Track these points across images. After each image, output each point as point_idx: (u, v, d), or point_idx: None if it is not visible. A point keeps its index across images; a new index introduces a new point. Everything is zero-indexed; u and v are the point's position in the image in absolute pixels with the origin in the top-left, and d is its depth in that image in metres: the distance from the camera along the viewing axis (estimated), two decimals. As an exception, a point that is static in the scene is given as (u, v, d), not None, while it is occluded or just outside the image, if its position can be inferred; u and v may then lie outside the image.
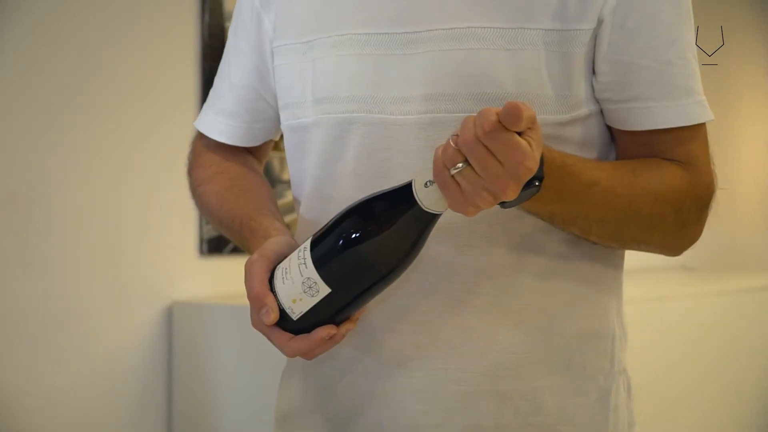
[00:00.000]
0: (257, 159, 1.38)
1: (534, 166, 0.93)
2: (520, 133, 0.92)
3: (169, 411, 2.65)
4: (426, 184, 0.97)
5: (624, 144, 1.17)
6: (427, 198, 0.97)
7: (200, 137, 1.37)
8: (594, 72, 1.13)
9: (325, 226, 1.04)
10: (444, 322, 1.14)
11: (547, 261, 1.15)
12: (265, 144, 1.37)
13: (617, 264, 1.23)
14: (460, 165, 0.93)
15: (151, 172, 2.63)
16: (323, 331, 1.04)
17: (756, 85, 4.57)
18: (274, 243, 1.10)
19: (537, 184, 0.99)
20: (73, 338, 2.52)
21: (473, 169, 0.92)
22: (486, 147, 0.91)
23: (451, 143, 0.93)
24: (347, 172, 1.16)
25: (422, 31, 1.12)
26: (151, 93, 2.65)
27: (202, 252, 2.66)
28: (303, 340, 1.05)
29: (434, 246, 1.11)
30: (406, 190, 0.99)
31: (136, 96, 2.61)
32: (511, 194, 0.93)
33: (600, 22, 1.11)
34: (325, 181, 1.19)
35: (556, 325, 1.16)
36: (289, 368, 1.27)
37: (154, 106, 2.66)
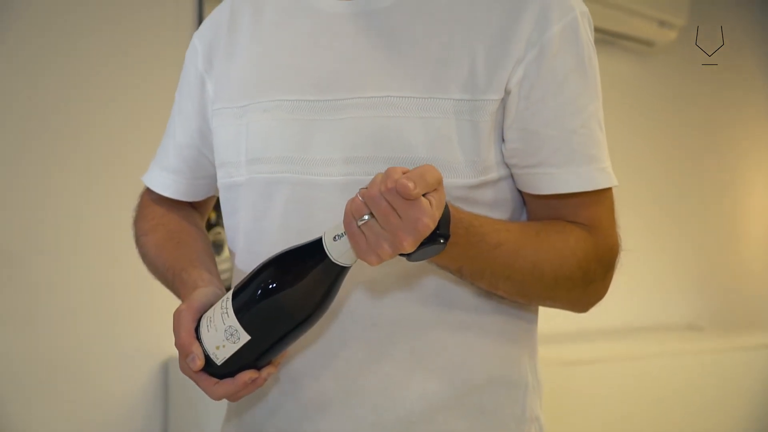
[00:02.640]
0: (200, 213, 1.47)
1: (431, 224, 0.99)
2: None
3: (167, 463, 2.68)
4: (335, 237, 1.04)
5: (533, 206, 1.24)
6: (335, 250, 1.05)
7: (147, 191, 1.46)
8: (503, 139, 1.20)
9: (246, 277, 1.11)
10: (363, 369, 1.21)
11: (460, 314, 1.22)
12: (208, 199, 1.45)
13: (530, 318, 1.29)
14: (366, 217, 1.01)
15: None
16: (245, 376, 1.11)
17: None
18: (201, 294, 1.17)
19: (442, 241, 1.05)
20: (73, 391, 2.53)
21: (377, 221, 1.00)
22: (388, 202, 0.98)
23: (359, 197, 1.01)
24: (274, 229, 1.24)
25: (344, 98, 1.20)
26: (150, 145, 2.65)
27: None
28: (227, 384, 1.12)
29: (353, 297, 1.20)
30: (317, 243, 1.06)
31: (131, 149, 2.60)
32: (409, 248, 1.00)
33: (507, 92, 1.18)
34: (254, 236, 1.27)
35: (467, 373, 1.22)
36: (227, 412, 1.35)
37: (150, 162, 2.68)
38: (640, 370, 3.20)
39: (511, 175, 1.23)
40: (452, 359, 1.22)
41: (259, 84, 1.27)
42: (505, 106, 1.19)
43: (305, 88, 1.23)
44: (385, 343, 1.21)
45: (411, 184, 0.96)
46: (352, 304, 1.21)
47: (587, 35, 1.22)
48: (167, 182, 1.42)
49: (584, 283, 1.21)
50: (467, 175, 1.18)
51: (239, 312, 1.09)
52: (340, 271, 1.07)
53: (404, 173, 0.98)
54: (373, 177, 1.16)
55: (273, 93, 1.25)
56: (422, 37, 1.20)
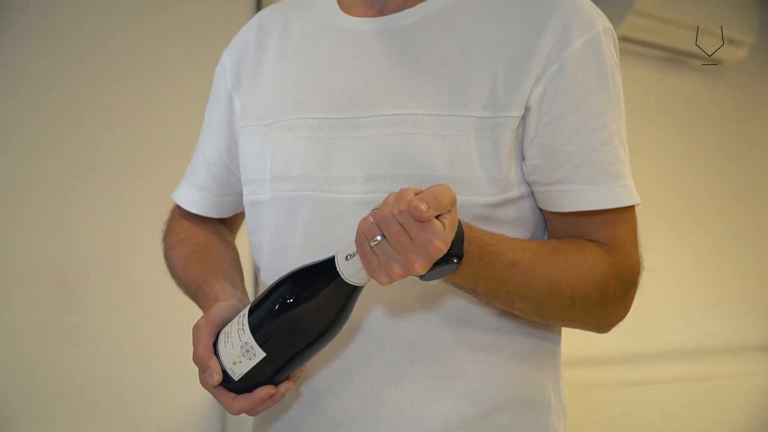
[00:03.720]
0: (229, 227, 1.49)
1: (443, 247, 0.98)
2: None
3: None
4: (347, 257, 1.04)
5: (553, 224, 1.23)
6: (347, 270, 1.05)
7: (177, 207, 1.48)
8: (524, 156, 1.19)
9: (262, 294, 1.12)
10: (382, 388, 1.21)
11: (481, 334, 1.21)
12: (237, 215, 1.47)
13: (552, 339, 1.28)
14: (378, 238, 1.00)
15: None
16: (263, 391, 1.12)
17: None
18: (220, 307, 1.18)
19: (455, 261, 1.05)
20: (117, 415, 2.52)
21: (389, 242, 1.00)
22: (400, 224, 0.98)
23: (370, 218, 1.00)
24: (296, 246, 1.24)
25: (366, 116, 1.20)
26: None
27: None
28: (245, 399, 1.13)
29: (373, 316, 1.20)
30: (329, 262, 1.06)
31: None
32: (420, 270, 0.99)
33: (528, 109, 1.17)
34: (277, 253, 1.27)
35: (487, 393, 1.21)
36: (253, 427, 1.36)
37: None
38: (701, 391, 3.17)
39: (533, 193, 1.22)
40: (472, 379, 1.21)
41: (284, 102, 1.28)
42: (525, 123, 1.18)
43: (329, 106, 1.23)
44: (404, 363, 1.20)
45: (424, 206, 0.95)
46: (372, 323, 1.21)
47: (610, 52, 1.21)
48: (195, 198, 1.44)
49: (602, 303, 1.19)
50: (488, 192, 1.17)
51: (254, 329, 1.10)
52: (353, 290, 1.07)
53: (417, 194, 0.98)
54: None
55: (297, 111, 1.26)
56: (444, 54, 1.20)
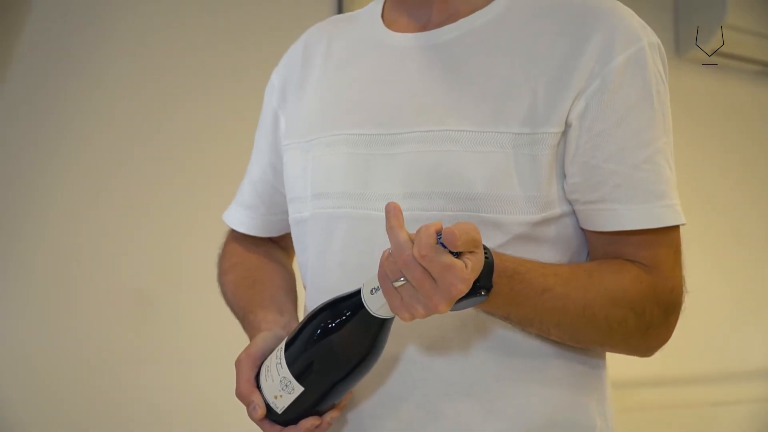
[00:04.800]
0: (284, 249, 1.48)
1: (465, 289, 0.97)
2: (459, 254, 0.97)
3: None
4: (372, 291, 1.03)
5: (594, 244, 1.20)
6: (373, 304, 1.04)
7: (231, 230, 1.49)
8: (564, 174, 1.17)
9: (296, 328, 1.12)
10: (424, 414, 1.18)
11: (522, 360, 1.18)
12: (287, 234, 1.45)
13: (595, 363, 1.24)
14: (402, 280, 0.99)
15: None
16: (308, 423, 1.12)
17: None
18: (261, 339, 1.19)
19: (483, 293, 1.03)
20: None
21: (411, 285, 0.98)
22: (423, 267, 0.96)
23: (392, 259, 0.98)
24: (335, 265, 1.23)
25: (404, 132, 1.19)
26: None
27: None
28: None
29: (412, 344, 1.18)
30: (356, 295, 1.06)
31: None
32: (443, 310, 0.98)
33: (568, 125, 1.14)
34: (318, 272, 1.26)
35: (528, 417, 1.18)
36: None
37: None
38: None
39: (574, 212, 1.19)
40: (513, 404, 1.18)
41: (324, 118, 1.28)
42: (566, 140, 1.15)
43: (367, 122, 1.23)
44: (445, 389, 1.18)
45: (457, 232, 0.94)
46: (412, 352, 1.19)
47: (656, 67, 1.17)
48: (242, 218, 1.45)
49: (640, 327, 1.15)
50: (527, 211, 1.15)
51: (291, 364, 1.10)
52: (383, 322, 1.06)
53: (438, 230, 0.96)
54: (429, 213, 1.16)
55: (337, 127, 1.25)
56: (484, 70, 1.18)
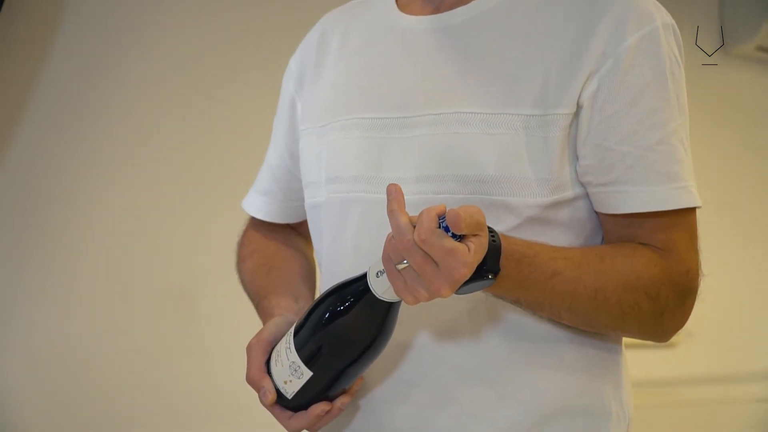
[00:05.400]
0: (302, 235, 1.47)
1: (468, 272, 0.96)
2: (462, 237, 0.96)
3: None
4: (377, 274, 1.03)
5: (608, 227, 1.18)
6: (379, 287, 1.03)
7: (251, 218, 1.49)
8: (577, 156, 1.15)
9: (304, 313, 1.12)
10: (435, 398, 1.18)
11: (535, 344, 1.17)
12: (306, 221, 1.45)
13: (610, 348, 1.22)
14: (405, 262, 0.98)
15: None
16: (317, 408, 1.12)
17: None
18: (272, 325, 1.19)
19: (490, 277, 1.02)
20: (243, 426, 2.49)
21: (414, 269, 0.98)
22: (425, 251, 0.96)
23: (394, 242, 0.98)
24: (348, 249, 1.23)
25: (416, 115, 1.18)
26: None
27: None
28: (301, 417, 1.13)
29: (424, 329, 1.18)
30: (362, 279, 1.05)
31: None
32: (446, 294, 0.97)
33: (580, 106, 1.13)
34: (333, 257, 1.26)
35: (541, 402, 1.17)
36: None
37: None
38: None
39: (587, 195, 1.18)
40: (525, 389, 1.17)
41: (339, 103, 1.27)
42: (578, 122, 1.14)
43: (381, 105, 1.22)
44: (457, 374, 1.18)
45: (462, 214, 0.94)
46: (424, 337, 1.18)
47: (669, 48, 1.15)
48: (260, 204, 1.45)
49: (654, 311, 1.13)
50: (539, 193, 1.14)
51: (299, 348, 1.10)
52: (389, 305, 1.05)
53: (440, 213, 0.95)
54: (441, 196, 1.15)
55: (351, 111, 1.25)
56: (496, 51, 1.17)
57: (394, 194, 0.98)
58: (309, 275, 1.38)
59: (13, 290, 2.39)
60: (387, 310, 1.05)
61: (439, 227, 0.96)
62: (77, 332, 2.43)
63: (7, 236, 2.38)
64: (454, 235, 0.96)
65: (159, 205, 2.53)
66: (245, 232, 1.49)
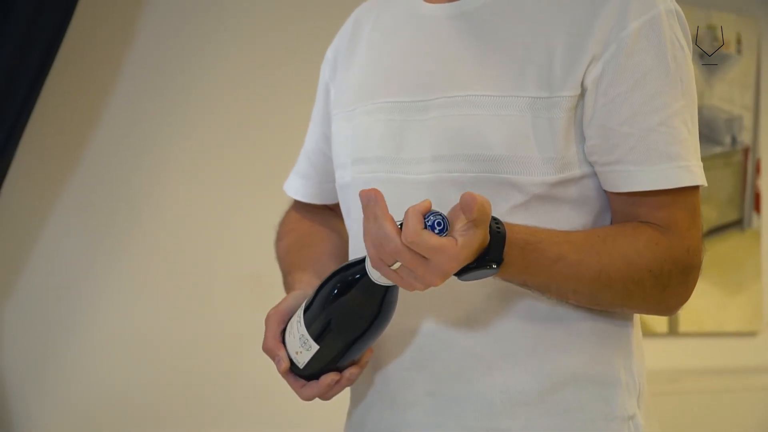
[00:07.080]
0: (339, 215, 1.51)
1: (457, 265, 1.04)
2: (449, 230, 1.03)
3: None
4: None
5: (614, 205, 1.22)
6: (375, 273, 1.09)
7: (292, 201, 1.56)
8: (584, 136, 1.20)
9: (314, 289, 1.19)
10: (445, 366, 1.24)
11: (545, 317, 1.22)
12: None
13: (621, 323, 1.26)
14: (398, 263, 1.05)
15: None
16: (327, 378, 1.20)
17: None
18: (291, 297, 1.27)
19: (494, 266, 1.08)
20: (306, 413, 2.46)
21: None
22: (412, 251, 1.03)
23: (383, 249, 1.04)
24: None
25: (433, 98, 1.25)
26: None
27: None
28: (312, 387, 1.21)
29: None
30: (360, 263, 1.12)
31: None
32: (440, 283, 1.05)
33: (584, 89, 1.18)
34: (359, 236, 1.29)
35: (549, 370, 1.22)
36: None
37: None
38: None
39: (596, 174, 1.22)
40: (535, 356, 1.22)
41: (367, 88, 1.34)
42: (584, 104, 1.19)
43: (403, 90, 1.28)
44: (469, 341, 1.23)
45: (476, 204, 1.01)
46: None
47: (672, 33, 1.19)
48: (298, 186, 1.52)
49: (658, 288, 1.17)
50: (544, 172, 1.19)
51: (308, 322, 1.17)
52: (386, 289, 1.12)
53: (424, 210, 1.03)
54: (453, 175, 1.21)
55: (377, 96, 1.32)
56: (508, 36, 1.22)
57: (374, 200, 1.05)
58: (339, 253, 1.44)
59: (97, 285, 2.55)
60: (384, 292, 1.12)
61: (426, 225, 1.02)
62: (154, 321, 2.57)
63: (87, 234, 2.54)
64: (441, 230, 1.02)
65: (231, 199, 2.65)
66: (286, 213, 1.56)
